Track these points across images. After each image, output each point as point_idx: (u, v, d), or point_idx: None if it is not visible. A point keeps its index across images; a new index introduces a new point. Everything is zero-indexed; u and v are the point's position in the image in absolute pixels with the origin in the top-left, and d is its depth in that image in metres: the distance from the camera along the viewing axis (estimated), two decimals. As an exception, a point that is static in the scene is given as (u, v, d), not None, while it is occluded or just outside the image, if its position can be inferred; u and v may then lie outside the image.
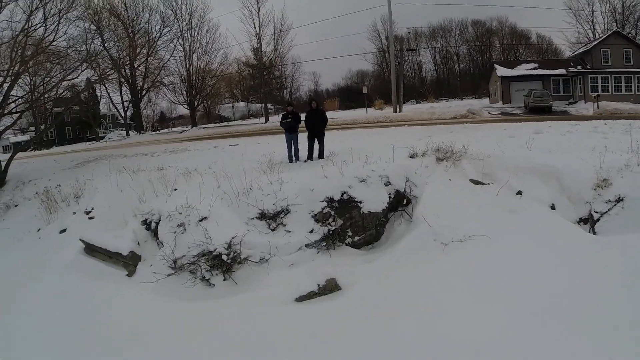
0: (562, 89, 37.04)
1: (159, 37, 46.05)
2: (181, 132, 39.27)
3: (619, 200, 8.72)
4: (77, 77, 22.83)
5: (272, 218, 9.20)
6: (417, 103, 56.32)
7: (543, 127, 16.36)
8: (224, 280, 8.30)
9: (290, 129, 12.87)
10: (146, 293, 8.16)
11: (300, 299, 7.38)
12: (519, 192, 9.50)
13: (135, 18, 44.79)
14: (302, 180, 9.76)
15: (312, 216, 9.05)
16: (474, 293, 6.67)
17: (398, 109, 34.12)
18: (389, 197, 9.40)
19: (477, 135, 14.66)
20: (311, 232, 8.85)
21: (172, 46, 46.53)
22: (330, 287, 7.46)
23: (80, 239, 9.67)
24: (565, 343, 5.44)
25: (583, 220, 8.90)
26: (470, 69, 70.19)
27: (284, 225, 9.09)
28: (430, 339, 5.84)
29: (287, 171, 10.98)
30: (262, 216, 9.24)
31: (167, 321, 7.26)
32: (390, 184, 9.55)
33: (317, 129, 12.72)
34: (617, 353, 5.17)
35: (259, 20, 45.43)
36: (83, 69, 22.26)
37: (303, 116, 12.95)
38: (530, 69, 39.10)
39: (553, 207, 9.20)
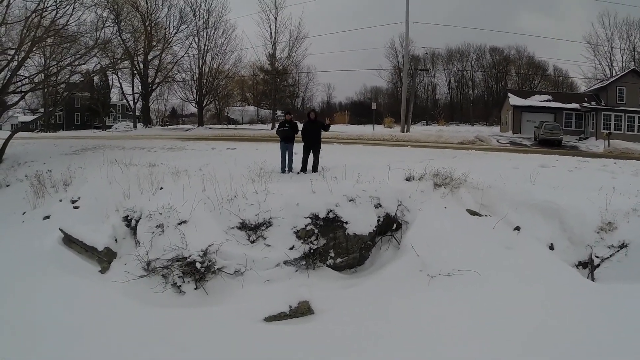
0: (574, 124, 36.41)
1: (175, 32, 46.08)
2: (187, 130, 39.11)
3: (623, 246, 8.36)
4: (85, 63, 22.63)
5: (253, 229, 8.83)
6: (427, 125, 56.01)
7: (550, 161, 15.94)
8: (195, 288, 7.93)
9: (286, 138, 12.51)
10: (116, 293, 7.78)
11: (270, 319, 7.00)
12: (517, 228, 9.12)
13: (154, 11, 44.85)
14: (289, 193, 9.38)
15: (295, 232, 8.68)
16: (456, 332, 6.29)
17: (406, 129, 33.79)
18: (378, 220, 9.02)
19: (480, 163, 14.25)
20: (291, 248, 8.49)
21: (187, 43, 46.48)
22: (302, 310, 7.08)
23: (59, 229, 9.39)
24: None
25: (582, 264, 8.54)
26: (484, 95, 69.84)
27: (264, 239, 8.71)
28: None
29: (276, 182, 10.62)
30: (243, 226, 8.87)
31: (131, 325, 6.85)
32: (380, 206, 9.17)
33: (314, 141, 12.38)
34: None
35: (276, 26, 45.42)
36: (93, 54, 22.06)
37: (301, 126, 12.62)
38: (544, 101, 38.63)
39: (552, 247, 8.82)
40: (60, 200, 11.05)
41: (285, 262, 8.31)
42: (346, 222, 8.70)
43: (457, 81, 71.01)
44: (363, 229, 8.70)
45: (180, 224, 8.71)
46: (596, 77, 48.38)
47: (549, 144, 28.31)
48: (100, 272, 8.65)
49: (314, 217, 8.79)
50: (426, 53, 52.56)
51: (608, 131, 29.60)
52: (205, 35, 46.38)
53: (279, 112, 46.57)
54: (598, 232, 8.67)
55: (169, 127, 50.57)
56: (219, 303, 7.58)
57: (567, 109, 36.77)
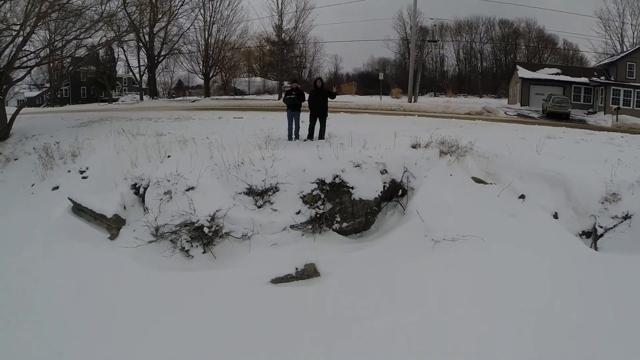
0: (583, 98, 35.86)
1: (181, 4, 45.58)
2: (193, 101, 39.00)
3: (627, 217, 8.39)
4: (91, 37, 22.54)
5: (260, 195, 8.91)
6: (434, 96, 55.50)
7: (557, 132, 15.83)
8: (203, 253, 8.06)
9: (292, 106, 12.50)
10: (125, 258, 7.92)
11: (277, 280, 7.10)
12: (522, 196, 9.15)
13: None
14: (295, 159, 9.41)
15: (301, 197, 8.76)
16: (460, 297, 6.31)
17: (413, 99, 33.51)
18: (384, 186, 9.05)
19: (486, 133, 14.20)
20: (298, 213, 8.57)
21: (193, 15, 46.17)
22: (308, 272, 7.16)
23: (68, 198, 9.51)
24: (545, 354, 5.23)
25: (586, 234, 8.54)
26: (492, 68, 68.80)
27: (271, 204, 8.79)
28: (403, 337, 5.56)
29: (283, 149, 10.62)
30: (250, 192, 8.95)
31: (142, 289, 7.02)
32: (386, 172, 9.20)
33: (321, 109, 12.34)
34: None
35: None
36: (98, 27, 21.95)
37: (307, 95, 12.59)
38: (553, 74, 37.99)
39: (556, 216, 8.82)
40: (69, 171, 11.23)
41: (292, 227, 8.41)
42: (352, 188, 8.75)
43: (466, 53, 70.03)
44: (369, 194, 8.75)
45: (188, 190, 8.79)
46: (606, 52, 47.61)
47: (556, 117, 27.88)
48: (109, 239, 8.78)
49: (321, 183, 8.85)
50: (434, 25, 51.58)
51: (617, 106, 29.24)
52: (211, 7, 46.28)
53: (285, 83, 46.28)
54: (602, 203, 8.68)
55: (176, 98, 50.46)
56: (226, 266, 7.70)
57: (576, 82, 36.20)
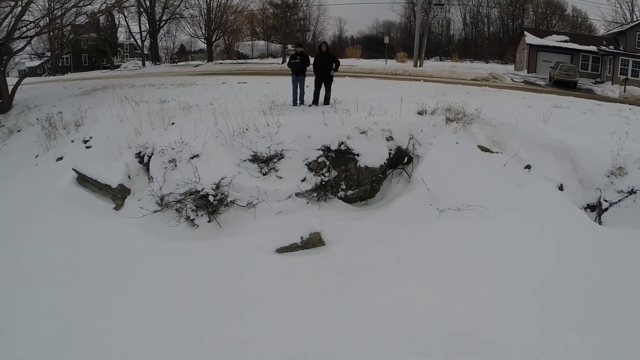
0: (591, 67, 35.03)
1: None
2: (196, 66, 38.56)
3: (632, 192, 8.35)
4: (90, 4, 22.00)
5: (265, 162, 8.83)
6: (440, 60, 54.62)
7: (564, 101, 15.51)
8: (208, 221, 8.03)
9: (297, 71, 12.28)
10: (131, 228, 7.90)
11: (282, 250, 7.10)
12: (528, 167, 9.03)
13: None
14: (300, 126, 9.29)
15: (306, 164, 8.67)
16: (464, 267, 6.32)
17: (419, 64, 32.95)
18: (389, 153, 8.94)
19: (493, 100, 13.90)
20: (303, 180, 8.49)
21: None
22: (313, 242, 7.16)
23: (73, 169, 9.46)
24: (549, 327, 5.29)
25: (591, 207, 8.49)
26: (499, 33, 67.30)
27: (276, 171, 8.72)
28: (409, 308, 5.60)
29: (288, 114, 10.47)
30: (255, 159, 8.87)
31: (146, 258, 7.05)
32: (392, 139, 9.07)
33: (326, 74, 12.13)
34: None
35: None
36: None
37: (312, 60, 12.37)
38: (561, 41, 37.13)
39: (561, 188, 8.74)
40: (72, 141, 11.10)
41: (297, 194, 8.35)
42: (357, 155, 8.65)
43: (472, 17, 68.54)
44: (374, 161, 8.65)
45: (192, 158, 8.71)
46: (616, 20, 46.40)
47: (563, 85, 27.45)
48: (114, 209, 8.76)
49: (326, 149, 8.75)
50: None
51: (625, 77, 28.68)
52: None
53: (289, 47, 45.57)
54: (608, 176, 8.61)
55: (178, 64, 49.87)
56: (231, 235, 7.67)
57: (584, 51, 35.35)
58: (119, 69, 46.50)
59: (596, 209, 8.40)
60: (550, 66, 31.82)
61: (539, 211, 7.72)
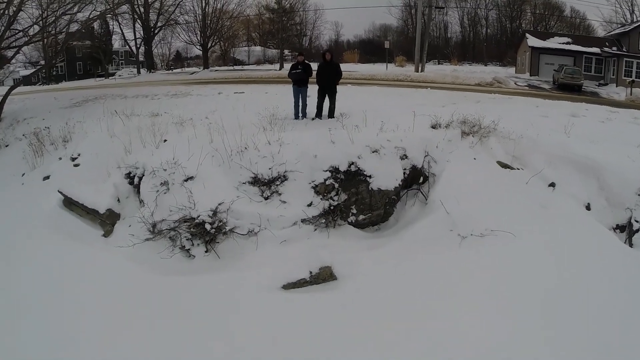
0: (594, 69, 34.41)
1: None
2: (192, 74, 38.03)
3: None
4: (81, 11, 21.26)
5: (267, 185, 8.02)
6: (439, 64, 54.28)
7: (579, 109, 14.78)
8: (205, 252, 7.27)
9: (299, 81, 11.40)
10: (120, 259, 7.16)
11: (289, 286, 6.32)
12: (552, 184, 8.28)
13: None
14: (305, 143, 8.48)
15: (313, 187, 7.88)
16: (491, 304, 5.64)
17: (420, 69, 32.31)
18: (404, 173, 8.17)
19: (506, 109, 13.12)
20: (310, 205, 7.71)
21: None
22: (323, 276, 6.38)
23: (58, 190, 8.68)
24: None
25: (620, 228, 7.84)
26: (496, 35, 67.31)
27: (279, 195, 7.91)
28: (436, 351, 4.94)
29: (291, 130, 9.65)
30: (256, 181, 8.06)
31: (139, 296, 6.27)
32: (406, 157, 8.30)
33: (330, 85, 11.29)
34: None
35: None
36: (89, 1, 20.64)
37: (314, 67, 11.50)
38: (563, 43, 36.53)
39: (588, 208, 8.04)
40: (60, 159, 10.38)
41: (303, 221, 7.56)
42: (369, 176, 7.86)
43: (470, 19, 68.45)
44: (388, 183, 7.86)
45: (186, 180, 7.95)
46: (615, 21, 46.25)
47: (568, 88, 26.89)
48: (103, 236, 8.00)
49: (334, 170, 7.95)
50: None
51: (631, 79, 28.21)
52: None
53: (286, 52, 45.09)
54: (639, 195, 7.95)
55: (174, 71, 49.46)
56: (232, 268, 6.93)
57: (587, 53, 34.70)
58: (113, 77, 45.95)
59: (626, 229, 7.72)
60: (554, 69, 31.34)
61: (566, 235, 7.00)
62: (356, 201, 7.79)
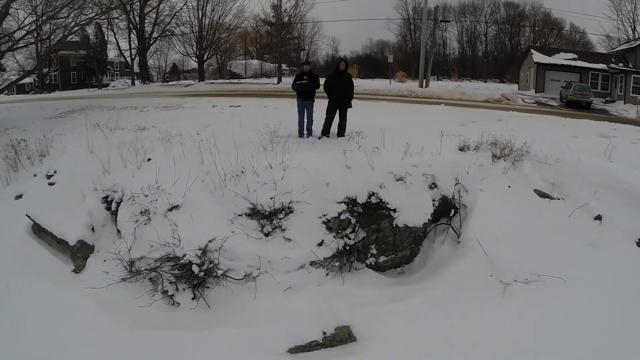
0: (600, 85, 33.88)
1: (173, -17, 43.29)
2: (187, 86, 37.28)
3: None
4: (68, 15, 20.07)
5: (268, 218, 6.64)
6: (438, 80, 53.85)
7: (607, 129, 13.59)
8: (192, 299, 5.95)
9: (304, 94, 10.05)
10: (90, 305, 5.84)
11: (297, 349, 5.07)
12: (598, 217, 7.12)
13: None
14: (314, 168, 7.13)
15: (324, 222, 6.53)
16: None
17: (425, 84, 31.28)
18: (434, 206, 6.84)
19: (533, 128, 11.90)
20: (320, 244, 6.37)
21: None
22: (340, 338, 5.13)
23: (27, 215, 7.36)
24: None
25: None
26: (495, 52, 67.63)
27: (283, 231, 6.53)
28: None
29: (296, 151, 8.28)
30: (254, 213, 6.68)
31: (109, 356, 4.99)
32: (436, 186, 7.01)
33: (344, 99, 9.88)
34: None
35: None
36: (77, 6, 19.48)
37: (322, 79, 10.14)
38: (569, 59, 35.97)
39: (639, 244, 6.84)
40: (35, 175, 9.06)
41: (313, 263, 6.23)
42: (394, 210, 6.51)
43: (469, 36, 68.76)
44: (416, 218, 6.53)
45: (170, 210, 6.65)
46: (617, 37, 46.00)
47: (577, 106, 26.16)
48: (74, 272, 6.67)
49: (351, 202, 6.61)
50: (437, 5, 49.12)
51: None
52: None
53: (284, 66, 44.33)
54: None
55: (169, 83, 48.69)
56: (224, 322, 5.61)
57: (593, 69, 34.18)
58: (107, 87, 45.10)
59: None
60: (561, 86, 30.79)
61: (620, 278, 6.00)
62: (377, 240, 6.46)
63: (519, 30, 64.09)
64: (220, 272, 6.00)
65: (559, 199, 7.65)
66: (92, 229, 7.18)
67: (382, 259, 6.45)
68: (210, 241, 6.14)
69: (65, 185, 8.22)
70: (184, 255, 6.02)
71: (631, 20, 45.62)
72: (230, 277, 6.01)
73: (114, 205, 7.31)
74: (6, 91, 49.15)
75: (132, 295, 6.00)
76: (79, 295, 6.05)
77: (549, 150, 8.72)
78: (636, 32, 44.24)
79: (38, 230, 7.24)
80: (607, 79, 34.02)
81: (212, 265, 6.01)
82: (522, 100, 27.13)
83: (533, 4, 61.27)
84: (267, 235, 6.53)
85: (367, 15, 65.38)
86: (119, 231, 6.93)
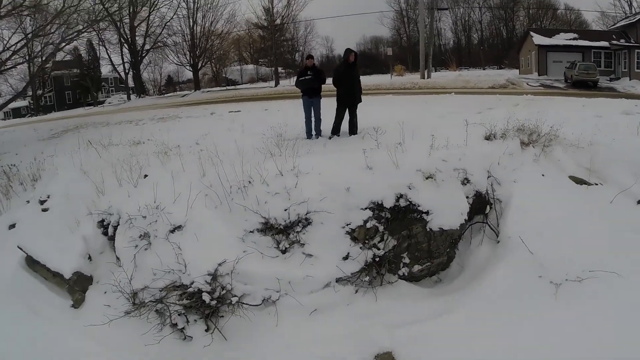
0: (604, 63, 33.13)
1: (161, -7, 42.74)
2: (183, 96, 36.88)
3: None
4: (52, 32, 19.47)
5: (284, 232, 5.88)
6: (436, 71, 53.30)
7: (629, 106, 12.77)
8: (206, 331, 5.26)
9: (309, 91, 9.18)
10: (91, 345, 5.28)
11: (332, 384, 4.29)
12: (640, 202, 6.44)
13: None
14: (330, 172, 6.35)
15: (348, 232, 5.76)
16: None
17: (426, 75, 30.55)
18: (468, 203, 6.08)
19: (552, 111, 11.10)
20: (346, 258, 5.62)
21: (176, 3, 43.38)
22: (382, 366, 4.33)
23: (18, 246, 6.74)
24: None
25: None
26: (490, 39, 67.06)
27: (302, 246, 5.76)
28: None
29: (307, 154, 7.45)
30: (268, 228, 5.93)
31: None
32: (468, 181, 6.24)
33: (356, 93, 9.00)
34: None
35: None
36: (63, 21, 18.84)
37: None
38: (570, 39, 35.20)
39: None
40: (28, 202, 8.34)
41: (339, 280, 5.49)
42: (426, 212, 5.74)
43: (464, 24, 68.01)
44: (452, 219, 5.76)
45: (173, 231, 5.96)
46: (614, 14, 45.35)
47: (584, 85, 25.57)
48: (73, 307, 6.05)
49: (377, 207, 5.84)
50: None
51: None
52: None
53: (280, 69, 43.78)
54: None
55: (165, 95, 48.11)
56: (245, 355, 4.96)
57: (595, 47, 33.54)
58: (103, 104, 44.72)
59: None
60: (565, 66, 30.07)
61: None
62: (409, 247, 5.70)
63: (514, 14, 63.25)
64: (234, 299, 5.31)
65: (597, 184, 7.01)
66: (89, 257, 6.56)
67: (417, 268, 5.70)
68: (220, 264, 5.46)
69: (59, 211, 7.55)
70: (192, 283, 5.35)
71: (627, -2, 44.89)
72: (246, 303, 5.32)
73: (110, 230, 6.66)
74: (2, 116, 49.15)
75: (137, 331, 5.37)
76: (79, 334, 5.48)
77: (579, 132, 8.03)
78: (633, 8, 43.61)
79: (32, 263, 6.62)
80: (610, 56, 33.39)
81: (224, 291, 5.33)
82: (527, 84, 26.42)
83: (526, -15, 60.34)
84: (284, 252, 5.78)
85: (360, 10, 64.79)
86: (118, 258, 6.26)
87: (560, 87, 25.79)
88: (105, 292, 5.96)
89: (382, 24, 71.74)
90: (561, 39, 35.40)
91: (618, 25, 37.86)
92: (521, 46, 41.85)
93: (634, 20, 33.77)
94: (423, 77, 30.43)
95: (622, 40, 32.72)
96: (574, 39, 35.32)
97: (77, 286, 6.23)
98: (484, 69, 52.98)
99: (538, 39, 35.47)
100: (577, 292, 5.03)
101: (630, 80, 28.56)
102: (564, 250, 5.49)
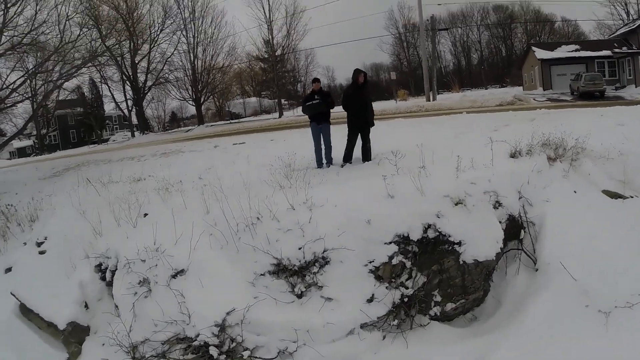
0: (608, 73, 33.21)
1: (161, 30, 43.43)
2: (187, 131, 37.03)
3: None
4: (53, 72, 19.44)
5: (299, 274, 5.26)
6: (439, 94, 53.49)
7: (646, 112, 12.43)
8: (216, 389, 4.60)
9: (318, 116, 8.66)
10: None
11: None
12: (678, 214, 6.00)
13: (135, 9, 41.47)
14: (348, 203, 5.75)
15: (371, 270, 5.14)
16: None
17: (432, 97, 30.38)
18: (502, 229, 5.48)
19: (572, 124, 10.59)
20: (370, 300, 4.99)
21: (176, 39, 43.98)
22: None
23: (11, 293, 6.34)
24: None
25: None
26: (490, 58, 68.22)
27: (320, 288, 5.14)
28: None
29: (319, 184, 6.87)
30: (280, 270, 5.32)
31: None
32: (500, 205, 5.66)
33: (368, 116, 8.46)
34: None
35: (269, 4, 43.05)
36: (61, 58, 18.76)
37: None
38: (572, 51, 35.32)
39: None
40: (25, 244, 7.95)
41: (364, 326, 4.86)
42: (459, 243, 5.14)
43: (463, 45, 69.43)
44: (486, 248, 5.17)
45: (174, 276, 5.39)
46: (612, 22, 45.80)
47: (591, 96, 25.38)
48: (69, 360, 5.45)
49: (402, 241, 5.23)
50: (433, 15, 48.82)
51: None
52: (193, 27, 44.04)
53: (283, 101, 43.85)
54: None
55: (169, 131, 48.38)
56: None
57: (598, 57, 33.70)
58: (107, 142, 44.95)
59: None
60: (570, 79, 30.33)
61: None
62: (440, 283, 5.09)
63: (512, 32, 64.40)
64: (246, 353, 4.71)
65: (632, 197, 6.65)
66: (86, 305, 6.06)
67: (450, 306, 5.07)
68: (228, 313, 4.88)
69: (56, 253, 7.16)
70: (198, 335, 4.77)
71: (623, 3, 45.21)
72: (260, 357, 4.70)
73: (108, 275, 6.15)
74: (8, 156, 49.52)
75: (141, 392, 4.75)
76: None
77: (606, 142, 7.68)
78: (630, 15, 43.78)
79: (26, 311, 6.24)
80: (614, 64, 33.58)
81: (234, 344, 4.75)
82: (534, 99, 26.20)
83: (522, 3, 61.25)
84: (300, 296, 5.16)
85: (359, 42, 65.81)
86: (116, 306, 5.69)
87: (568, 100, 25.65)
88: (103, 344, 5.38)
89: (382, 50, 73.07)
90: (563, 52, 35.66)
91: (618, 33, 38.21)
92: (523, 62, 42.27)
93: (634, 26, 34.12)
94: (429, 99, 30.34)
95: (625, 48, 32.98)
96: (576, 50, 35.64)
97: (73, 337, 5.74)
98: (486, 88, 53.67)
99: (540, 53, 35.67)
100: (629, 319, 4.52)
101: (636, 87, 28.67)
102: (609, 273, 5.00)
